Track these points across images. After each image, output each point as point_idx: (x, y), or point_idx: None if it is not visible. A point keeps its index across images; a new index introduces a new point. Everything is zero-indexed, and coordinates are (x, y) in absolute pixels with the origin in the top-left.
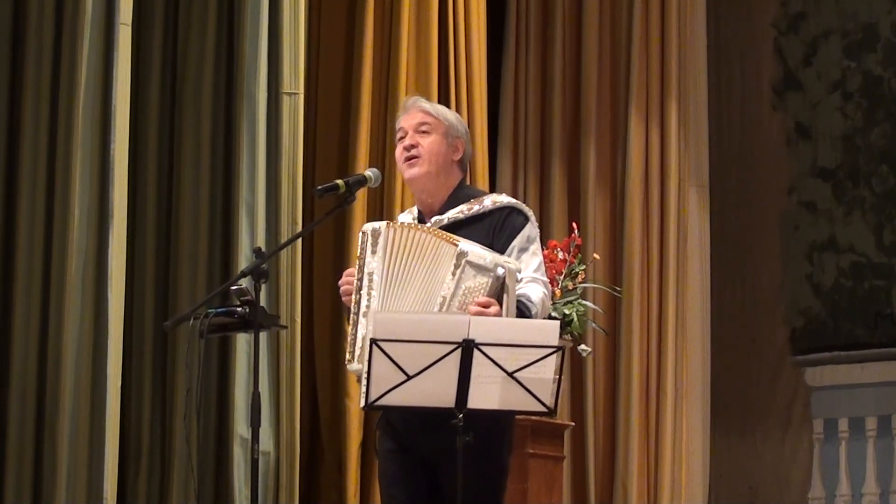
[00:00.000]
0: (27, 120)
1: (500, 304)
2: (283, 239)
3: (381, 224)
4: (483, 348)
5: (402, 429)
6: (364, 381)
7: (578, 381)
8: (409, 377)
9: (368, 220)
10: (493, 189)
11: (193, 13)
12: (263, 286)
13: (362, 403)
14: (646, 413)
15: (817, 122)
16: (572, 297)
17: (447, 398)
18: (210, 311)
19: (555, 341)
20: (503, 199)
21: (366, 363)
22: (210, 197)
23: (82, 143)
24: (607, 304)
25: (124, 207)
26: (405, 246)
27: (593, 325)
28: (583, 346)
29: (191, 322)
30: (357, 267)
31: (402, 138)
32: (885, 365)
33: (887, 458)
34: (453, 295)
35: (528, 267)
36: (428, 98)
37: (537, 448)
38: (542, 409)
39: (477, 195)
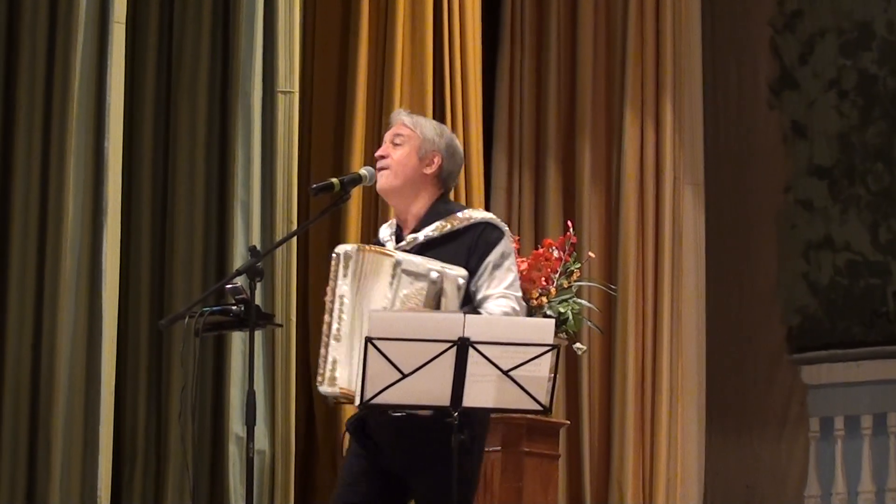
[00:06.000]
0: (21, 118)
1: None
2: (278, 237)
3: (353, 247)
4: (478, 346)
5: (374, 435)
6: (359, 379)
7: (574, 379)
8: (405, 375)
9: (363, 219)
10: (487, 188)
11: (188, 11)
12: (258, 285)
13: (357, 402)
14: (641, 411)
15: (813, 120)
16: (567, 296)
17: (442, 397)
18: (205, 309)
19: (550, 340)
20: (477, 214)
21: (360, 364)
22: (205, 195)
23: (76, 142)
24: (602, 303)
25: (118, 205)
26: (365, 267)
27: (588, 323)
28: (578, 345)
29: (186, 320)
30: (330, 289)
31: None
32: (880, 363)
33: (883, 456)
34: (392, 304)
35: (500, 283)
36: (423, 95)
37: (533, 446)
38: (538, 407)
39: (454, 210)
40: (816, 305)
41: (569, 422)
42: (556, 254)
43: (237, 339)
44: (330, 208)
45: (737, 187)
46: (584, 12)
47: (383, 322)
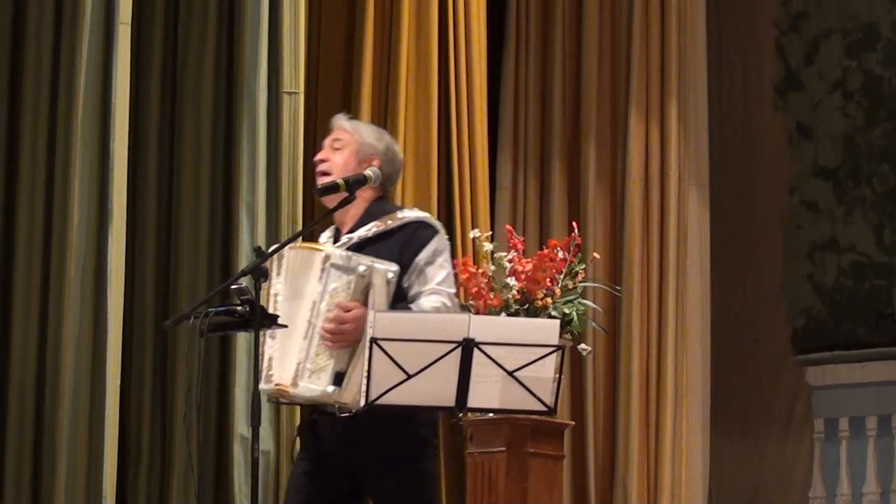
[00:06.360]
0: (26, 120)
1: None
2: (284, 238)
3: (287, 246)
4: (483, 347)
5: (323, 438)
6: (365, 380)
7: (578, 380)
8: (410, 376)
9: None
10: (492, 189)
11: (193, 12)
12: (263, 285)
13: (362, 402)
14: (646, 412)
15: (818, 121)
16: (572, 297)
17: (447, 397)
18: (210, 310)
19: (555, 340)
20: (411, 214)
21: (366, 362)
22: (210, 196)
23: (82, 143)
24: (607, 304)
25: (124, 207)
26: (297, 263)
27: (593, 324)
28: (583, 346)
29: (191, 321)
30: (265, 288)
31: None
32: (885, 364)
33: (887, 457)
34: (321, 297)
35: (433, 280)
36: (428, 97)
37: (537, 447)
38: (542, 408)
39: (390, 211)
40: (821, 306)
41: (573, 422)
42: (560, 255)
43: (242, 339)
44: (336, 209)
45: (742, 188)
46: (589, 14)
47: (388, 322)
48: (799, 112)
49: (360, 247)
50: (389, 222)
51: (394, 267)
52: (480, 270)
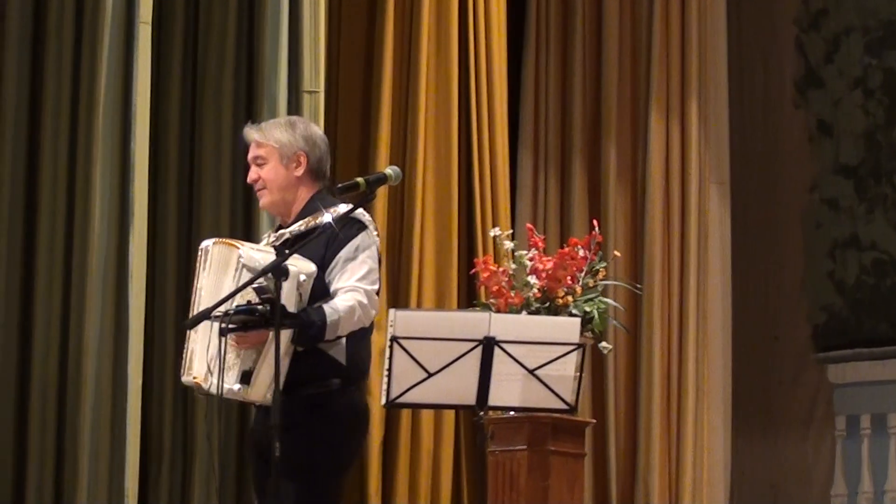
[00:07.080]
0: (48, 119)
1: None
2: None
3: (212, 241)
4: (504, 345)
5: (256, 426)
6: (385, 379)
7: (599, 378)
8: (430, 375)
9: (389, 219)
10: (513, 188)
11: (214, 12)
12: (284, 284)
13: (383, 401)
14: (667, 410)
15: (839, 119)
16: (593, 295)
17: (468, 396)
18: (230, 309)
19: (575, 338)
20: (342, 209)
21: (386, 361)
22: (231, 195)
23: (103, 142)
24: (628, 302)
25: (145, 206)
26: (218, 260)
27: (614, 322)
28: (604, 344)
29: (210, 320)
30: (195, 283)
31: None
32: None
33: None
34: (234, 299)
35: (352, 276)
36: (448, 96)
37: (558, 445)
38: (563, 406)
39: (325, 206)
40: (842, 304)
41: (595, 420)
42: (581, 253)
43: None
44: (355, 208)
45: (762, 186)
46: (608, 12)
47: (409, 321)
48: (819, 110)
49: (293, 243)
50: (320, 218)
51: (309, 268)
52: (501, 269)
